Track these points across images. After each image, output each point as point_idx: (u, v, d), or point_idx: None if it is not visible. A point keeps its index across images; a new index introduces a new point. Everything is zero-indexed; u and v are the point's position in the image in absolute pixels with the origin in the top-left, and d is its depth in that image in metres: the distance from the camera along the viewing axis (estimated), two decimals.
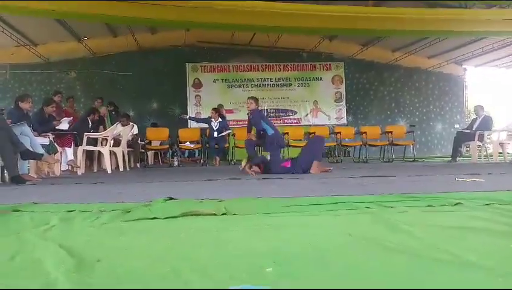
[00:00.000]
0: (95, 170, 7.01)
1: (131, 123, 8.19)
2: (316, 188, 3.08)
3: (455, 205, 2.02)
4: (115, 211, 1.96)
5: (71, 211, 2.00)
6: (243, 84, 12.67)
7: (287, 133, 8.82)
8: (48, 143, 5.62)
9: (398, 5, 7.67)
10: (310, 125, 11.72)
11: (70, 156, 6.45)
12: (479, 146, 8.27)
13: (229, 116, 11.21)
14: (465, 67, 13.93)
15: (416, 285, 0.87)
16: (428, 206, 2.03)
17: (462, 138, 8.46)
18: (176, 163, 8.89)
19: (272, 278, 0.91)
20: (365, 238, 1.32)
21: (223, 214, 1.85)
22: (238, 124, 11.84)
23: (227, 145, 8.86)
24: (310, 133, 9.34)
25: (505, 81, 31.91)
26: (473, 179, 3.50)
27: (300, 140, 9.66)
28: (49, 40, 10.70)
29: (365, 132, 9.25)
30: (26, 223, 1.74)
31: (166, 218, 1.77)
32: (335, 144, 9.39)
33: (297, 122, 12.30)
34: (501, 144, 8.16)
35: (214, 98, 11.90)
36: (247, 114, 6.91)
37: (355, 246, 1.23)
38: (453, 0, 8.38)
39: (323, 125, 11.83)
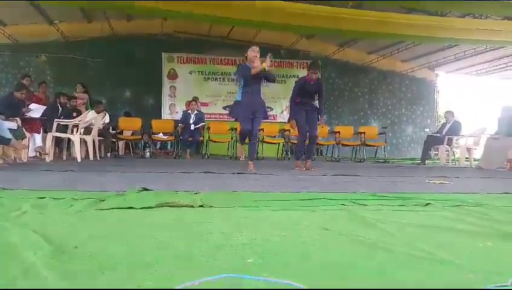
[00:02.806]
0: (64, 158, 6.82)
1: (103, 111, 8.01)
2: (291, 184, 3.11)
3: (426, 205, 2.09)
4: (88, 200, 1.92)
5: (42, 197, 1.95)
6: (220, 78, 12.57)
7: (262, 129, 8.84)
8: (15, 128, 5.45)
9: (376, 9, 7.79)
10: (285, 122, 11.76)
11: (39, 143, 6.26)
12: (447, 150, 8.54)
13: (204, 109, 11.11)
14: (437, 73, 14.30)
15: (393, 278, 0.90)
16: (400, 205, 2.09)
17: (432, 142, 8.71)
18: (147, 154, 8.75)
19: (254, 269, 0.92)
20: (342, 233, 1.35)
21: (199, 206, 1.84)
22: (213, 118, 11.77)
23: (201, 138, 8.80)
24: (284, 130, 9.40)
25: (473, 88, 33.14)
26: (441, 182, 3.62)
27: (275, 136, 9.72)
28: (19, 20, 10.27)
29: (338, 132, 9.38)
30: None
31: (142, 208, 1.75)
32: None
33: (272, 119, 12.31)
34: (468, 149, 8.45)
35: (189, 90, 11.75)
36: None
37: (333, 241, 1.25)
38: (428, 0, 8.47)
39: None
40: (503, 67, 12.49)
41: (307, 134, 5.29)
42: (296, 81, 5.71)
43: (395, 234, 1.34)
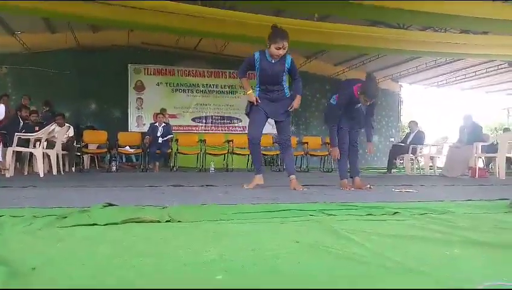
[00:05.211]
0: (26, 173, 6.56)
1: (66, 124, 7.77)
2: (261, 195, 3.10)
3: (393, 214, 2.12)
4: (49, 217, 1.83)
5: (0, 216, 1.85)
6: (188, 89, 12.51)
7: (232, 140, 8.83)
8: None
9: (342, 22, 7.98)
10: None
11: None
12: (412, 159, 8.78)
13: (172, 121, 10.98)
14: (401, 84, 14.77)
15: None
16: (368, 215, 2.10)
17: (397, 151, 8.94)
18: (114, 168, 8.54)
19: (223, 286, 0.89)
20: (312, 245, 1.34)
21: (167, 221, 1.79)
22: (181, 130, 11.66)
23: (169, 150, 8.68)
24: None
25: (436, 99, 34.60)
26: (407, 190, 3.71)
27: (245, 148, 9.70)
28: None
29: (307, 142, 9.49)
30: None
31: (107, 225, 1.68)
32: (278, 152, 9.53)
33: (242, 130, 12.29)
34: (431, 158, 8.72)
35: (156, 102, 11.62)
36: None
37: (303, 253, 1.24)
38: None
39: (267, 134, 11.95)
40: (462, 79, 13.04)
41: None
42: (339, 92, 4.20)
43: (364, 245, 1.34)
